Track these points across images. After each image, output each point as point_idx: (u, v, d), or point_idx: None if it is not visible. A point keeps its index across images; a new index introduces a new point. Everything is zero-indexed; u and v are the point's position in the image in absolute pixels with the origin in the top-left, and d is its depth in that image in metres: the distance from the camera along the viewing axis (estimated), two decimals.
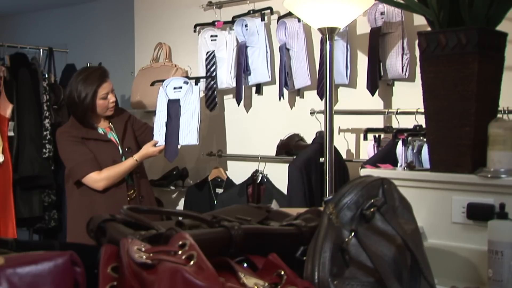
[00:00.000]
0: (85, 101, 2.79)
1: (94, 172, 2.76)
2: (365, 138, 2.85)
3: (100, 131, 2.89)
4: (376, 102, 2.96)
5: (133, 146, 2.97)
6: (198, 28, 3.60)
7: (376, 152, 2.74)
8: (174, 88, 3.10)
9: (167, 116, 3.03)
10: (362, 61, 2.99)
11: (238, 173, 3.51)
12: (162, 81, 3.16)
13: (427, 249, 1.01)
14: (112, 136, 2.92)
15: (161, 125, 3.03)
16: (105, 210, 2.64)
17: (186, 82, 3.09)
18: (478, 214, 1.54)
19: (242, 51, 3.33)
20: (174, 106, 3.05)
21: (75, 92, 2.80)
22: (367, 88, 2.89)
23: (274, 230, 0.89)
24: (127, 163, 2.86)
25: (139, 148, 3.05)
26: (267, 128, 3.44)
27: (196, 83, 3.15)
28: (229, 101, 3.62)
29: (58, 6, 5.35)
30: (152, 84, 3.26)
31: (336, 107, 2.82)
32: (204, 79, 3.41)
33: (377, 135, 2.80)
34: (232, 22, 3.43)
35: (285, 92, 3.24)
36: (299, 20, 3.10)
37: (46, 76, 4.00)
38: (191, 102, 3.06)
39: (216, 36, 3.47)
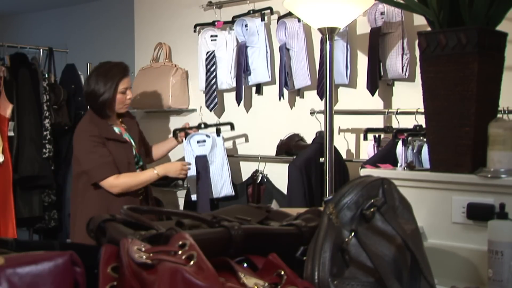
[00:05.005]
0: (106, 93, 2.76)
1: (112, 177, 2.70)
2: (365, 138, 2.85)
3: (117, 130, 2.86)
4: (376, 102, 2.96)
5: (141, 152, 2.96)
6: (198, 28, 3.60)
7: (376, 152, 2.74)
8: (198, 142, 3.20)
9: (196, 172, 3.14)
10: (362, 61, 2.99)
11: (238, 173, 3.51)
12: (182, 129, 3.22)
13: (427, 249, 1.01)
14: (127, 137, 2.89)
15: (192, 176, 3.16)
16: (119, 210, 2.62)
17: (208, 136, 3.21)
18: (478, 214, 1.54)
19: (242, 51, 3.33)
20: (201, 162, 3.16)
21: (95, 84, 2.78)
22: (367, 88, 2.89)
23: (274, 230, 0.89)
24: (147, 175, 2.83)
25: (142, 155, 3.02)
26: (267, 128, 3.44)
27: (218, 134, 3.26)
28: (229, 101, 3.62)
29: (58, 6, 5.35)
30: (174, 134, 3.24)
31: (336, 107, 2.82)
32: (228, 126, 3.37)
33: (377, 135, 2.80)
34: (232, 22, 3.43)
35: (285, 92, 3.24)
36: (299, 20, 3.10)
37: (46, 76, 3.99)
38: (217, 155, 3.22)
39: (216, 36, 3.46)
